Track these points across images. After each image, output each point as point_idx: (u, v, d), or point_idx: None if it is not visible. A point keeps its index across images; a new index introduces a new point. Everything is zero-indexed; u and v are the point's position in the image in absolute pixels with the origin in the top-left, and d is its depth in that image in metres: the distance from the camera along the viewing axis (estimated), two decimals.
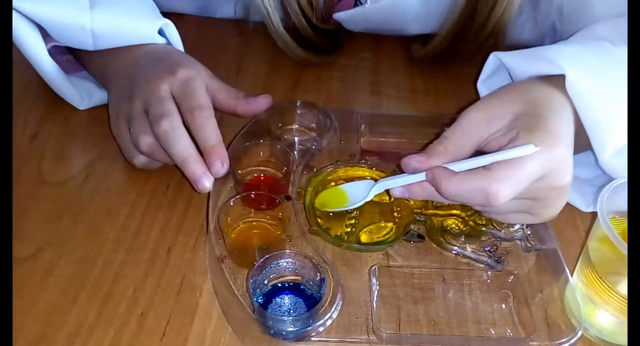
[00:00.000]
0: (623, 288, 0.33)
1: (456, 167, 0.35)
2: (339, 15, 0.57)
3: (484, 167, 0.34)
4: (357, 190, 0.40)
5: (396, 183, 0.37)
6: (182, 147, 0.39)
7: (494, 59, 0.46)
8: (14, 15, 0.43)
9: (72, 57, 0.50)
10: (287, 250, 0.36)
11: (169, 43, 0.48)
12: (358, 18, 0.58)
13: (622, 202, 0.35)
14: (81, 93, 0.49)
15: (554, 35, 0.55)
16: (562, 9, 0.53)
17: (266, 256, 0.35)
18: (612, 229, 0.31)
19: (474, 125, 0.37)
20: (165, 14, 0.48)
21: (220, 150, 0.39)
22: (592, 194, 0.42)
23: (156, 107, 0.40)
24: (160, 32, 0.47)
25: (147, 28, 0.46)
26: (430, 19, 0.55)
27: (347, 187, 0.41)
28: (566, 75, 0.37)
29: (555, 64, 0.38)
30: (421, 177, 0.36)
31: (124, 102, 0.43)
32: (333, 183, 0.43)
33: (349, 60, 0.60)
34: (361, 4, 0.56)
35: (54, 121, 0.49)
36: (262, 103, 0.45)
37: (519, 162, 0.33)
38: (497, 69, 0.47)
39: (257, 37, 0.60)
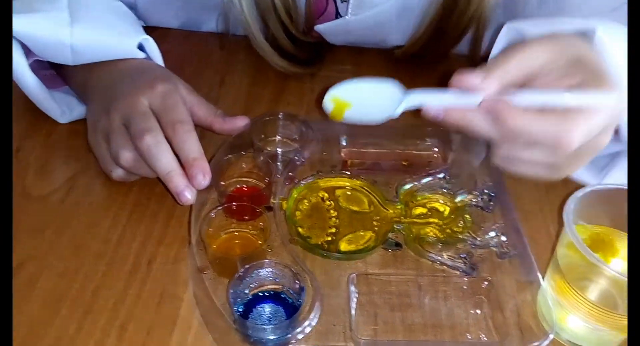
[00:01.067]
0: (591, 294, 0.34)
1: (525, 98, 0.32)
2: (320, 28, 0.58)
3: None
4: (379, 97, 0.35)
5: (434, 100, 0.34)
6: (166, 161, 0.39)
7: (507, 30, 0.44)
8: None
9: (54, 72, 0.51)
10: (267, 260, 0.37)
11: (149, 58, 0.49)
12: (339, 30, 0.59)
13: (589, 209, 0.36)
14: (62, 108, 0.50)
15: None
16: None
17: (246, 266, 0.36)
18: (577, 236, 0.32)
19: (533, 57, 0.35)
20: (152, 29, 0.49)
21: (202, 162, 0.40)
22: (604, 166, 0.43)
23: (138, 122, 0.40)
24: (141, 47, 0.48)
25: (126, 43, 0.47)
26: (410, 29, 0.57)
27: (366, 87, 0.36)
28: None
29: (587, 21, 0.38)
30: (471, 100, 0.32)
31: (102, 115, 0.44)
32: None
33: (331, 72, 0.61)
34: (342, 16, 0.58)
35: (36, 135, 0.50)
36: (238, 123, 0.45)
37: (595, 111, 0.32)
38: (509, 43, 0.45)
39: (241, 51, 0.61)
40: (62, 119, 0.50)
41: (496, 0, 0.52)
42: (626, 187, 0.36)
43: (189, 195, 0.39)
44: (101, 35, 0.47)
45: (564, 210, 0.34)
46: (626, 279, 0.31)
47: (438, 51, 0.59)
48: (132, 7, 0.61)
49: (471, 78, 0.33)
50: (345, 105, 0.36)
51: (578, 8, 0.51)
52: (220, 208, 0.40)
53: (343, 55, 0.64)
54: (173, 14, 0.63)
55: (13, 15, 0.44)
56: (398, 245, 0.41)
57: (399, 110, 0.35)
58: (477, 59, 0.59)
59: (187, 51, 0.62)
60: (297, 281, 0.35)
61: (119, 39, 0.47)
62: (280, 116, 0.48)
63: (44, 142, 0.49)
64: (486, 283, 0.38)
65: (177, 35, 0.64)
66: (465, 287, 0.38)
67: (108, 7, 0.50)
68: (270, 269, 0.37)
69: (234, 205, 0.41)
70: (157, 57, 0.49)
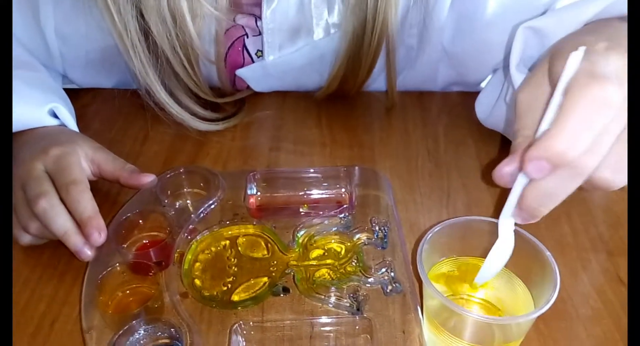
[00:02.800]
0: (464, 331, 0.35)
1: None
2: (242, 71, 0.61)
3: None
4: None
5: (510, 209, 0.34)
6: (61, 222, 0.42)
7: (522, 32, 0.45)
8: None
9: None
10: (140, 319, 0.38)
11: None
12: (260, 74, 0.61)
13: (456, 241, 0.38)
14: None
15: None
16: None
17: (132, 323, 0.37)
18: (428, 282, 0.34)
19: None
20: (85, 90, 0.51)
21: (96, 220, 0.42)
22: None
23: (33, 187, 0.42)
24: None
25: (34, 112, 0.49)
26: (327, 70, 0.60)
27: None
28: None
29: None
30: (523, 182, 0.33)
31: (15, 187, 0.46)
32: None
33: (252, 119, 0.63)
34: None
35: None
36: (144, 179, 0.48)
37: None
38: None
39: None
40: None
41: (397, 26, 0.55)
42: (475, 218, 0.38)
43: (88, 252, 0.42)
44: (25, 95, 0.50)
45: (417, 256, 0.35)
46: (482, 318, 0.33)
47: (354, 86, 0.62)
48: (63, 75, 0.65)
49: (507, 168, 0.34)
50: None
51: (496, 27, 0.53)
52: (110, 269, 0.41)
53: (265, 102, 0.66)
54: (104, 77, 0.67)
55: None
56: (286, 289, 0.42)
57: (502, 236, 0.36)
58: (393, 88, 0.62)
59: (115, 109, 0.65)
60: (177, 336, 0.37)
61: (26, 109, 0.49)
62: (182, 170, 0.50)
63: None
64: (368, 321, 0.39)
65: (108, 95, 0.68)
66: (356, 327, 0.39)
67: (20, 78, 0.53)
68: (156, 324, 0.38)
69: (132, 262, 0.42)
70: (70, 122, 0.52)
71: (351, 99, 0.66)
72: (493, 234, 0.36)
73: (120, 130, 0.62)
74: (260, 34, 0.58)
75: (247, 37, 0.59)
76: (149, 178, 0.48)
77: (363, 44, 0.55)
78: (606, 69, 0.32)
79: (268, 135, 0.61)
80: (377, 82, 0.64)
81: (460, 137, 0.60)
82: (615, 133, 0.32)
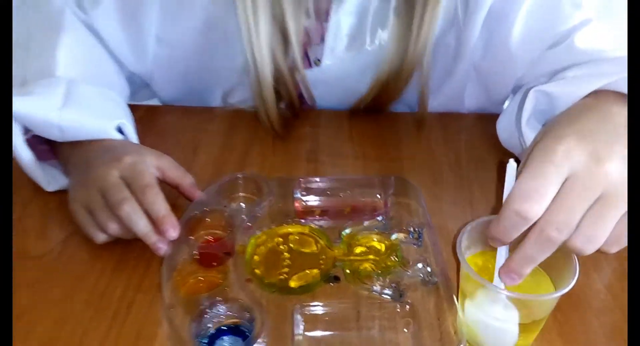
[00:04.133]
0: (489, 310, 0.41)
1: None
2: (308, 72, 0.68)
3: None
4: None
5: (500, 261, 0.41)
6: (143, 224, 0.48)
7: (534, 95, 0.54)
8: None
9: (48, 147, 0.60)
10: (219, 297, 0.44)
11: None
12: (317, 77, 0.69)
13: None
14: (48, 178, 0.58)
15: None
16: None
17: (205, 303, 0.43)
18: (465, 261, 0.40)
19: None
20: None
21: (170, 218, 0.48)
22: None
23: (113, 193, 0.49)
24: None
25: (105, 126, 0.56)
26: (369, 79, 0.67)
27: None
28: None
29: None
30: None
31: (80, 188, 0.53)
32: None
33: (290, 134, 0.70)
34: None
35: (35, 203, 0.58)
36: (196, 194, 0.54)
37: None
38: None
39: (215, 123, 0.72)
40: (49, 188, 0.59)
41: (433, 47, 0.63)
42: None
43: (164, 247, 0.48)
44: (85, 118, 0.56)
45: (457, 244, 0.42)
46: (510, 294, 0.39)
47: (389, 98, 0.70)
48: (147, 84, 0.73)
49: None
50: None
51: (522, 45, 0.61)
52: (187, 257, 0.47)
53: (303, 119, 0.73)
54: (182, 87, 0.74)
55: (13, 96, 0.54)
56: (337, 278, 0.48)
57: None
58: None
59: (167, 124, 0.72)
60: (247, 314, 0.42)
61: (99, 122, 0.56)
62: (239, 176, 0.56)
63: (42, 209, 0.58)
64: (409, 307, 0.45)
65: (163, 112, 0.75)
66: (398, 310, 0.45)
67: (97, 93, 0.60)
68: (227, 305, 0.44)
69: (199, 254, 0.48)
70: (132, 137, 0.59)
71: (379, 119, 0.73)
72: None
73: (172, 143, 0.69)
74: (321, 41, 0.65)
75: (310, 45, 0.67)
76: (199, 195, 0.54)
77: (404, 59, 0.63)
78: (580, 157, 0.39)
79: (305, 148, 0.68)
80: (405, 100, 0.71)
81: (479, 153, 0.67)
82: (584, 209, 0.38)
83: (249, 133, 0.70)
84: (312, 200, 0.57)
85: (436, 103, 0.72)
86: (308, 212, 0.56)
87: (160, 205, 0.48)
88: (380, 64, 0.65)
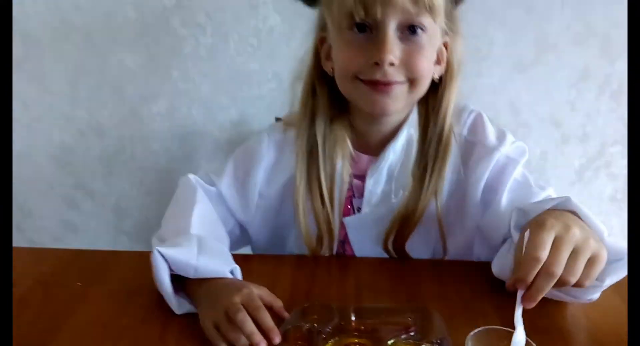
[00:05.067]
0: None
1: None
2: (347, 219, 0.98)
3: None
4: None
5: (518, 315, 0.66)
6: (251, 328, 0.73)
7: (516, 211, 0.81)
8: (156, 252, 0.81)
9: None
10: None
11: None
12: (357, 223, 0.98)
13: None
14: (178, 303, 0.84)
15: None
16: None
17: None
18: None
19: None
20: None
21: (275, 329, 0.73)
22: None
23: (236, 311, 0.74)
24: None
25: (225, 269, 0.84)
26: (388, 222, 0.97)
27: None
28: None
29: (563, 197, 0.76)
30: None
31: (209, 310, 0.78)
32: None
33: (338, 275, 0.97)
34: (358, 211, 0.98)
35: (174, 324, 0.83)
36: (285, 315, 0.80)
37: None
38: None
39: (285, 267, 0.99)
40: (178, 311, 0.84)
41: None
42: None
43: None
44: (212, 262, 0.84)
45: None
46: None
47: (403, 238, 0.98)
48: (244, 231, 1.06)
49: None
50: None
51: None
52: None
53: (342, 261, 1.00)
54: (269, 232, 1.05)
55: (164, 244, 0.83)
56: None
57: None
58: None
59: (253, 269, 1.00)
60: None
61: (222, 266, 0.84)
62: (315, 303, 0.82)
63: (168, 330, 0.81)
64: None
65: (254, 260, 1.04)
66: None
67: (217, 246, 0.89)
68: None
69: None
70: (239, 277, 0.86)
71: (401, 266, 1.00)
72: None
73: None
74: (362, 196, 0.96)
75: (354, 196, 0.97)
76: (287, 315, 0.80)
77: (418, 205, 0.93)
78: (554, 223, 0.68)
79: (351, 282, 0.94)
80: (427, 251, 0.99)
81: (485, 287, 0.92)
82: (568, 255, 0.65)
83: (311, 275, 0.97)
84: (361, 320, 0.82)
85: (453, 252, 1.00)
86: (360, 328, 0.80)
87: (268, 320, 0.74)
88: (401, 209, 0.95)
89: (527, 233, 0.69)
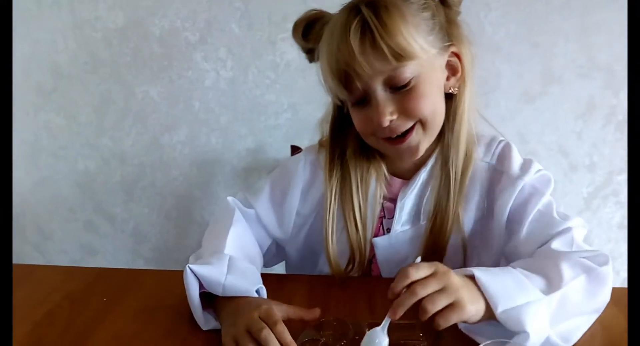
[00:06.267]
0: None
1: None
2: (377, 240, 1.00)
3: None
4: None
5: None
6: (274, 341, 0.76)
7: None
8: (187, 269, 0.86)
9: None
10: None
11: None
12: (386, 243, 1.00)
13: None
14: (207, 321, 0.88)
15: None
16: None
17: None
18: None
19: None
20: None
21: (294, 343, 0.77)
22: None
23: (256, 325, 0.78)
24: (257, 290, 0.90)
25: (251, 288, 0.88)
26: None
27: None
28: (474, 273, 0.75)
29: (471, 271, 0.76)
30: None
31: (231, 327, 0.81)
32: None
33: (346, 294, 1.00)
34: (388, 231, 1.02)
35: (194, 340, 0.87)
36: (310, 315, 0.84)
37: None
38: None
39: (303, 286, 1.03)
40: (205, 327, 0.88)
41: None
42: None
43: None
44: (240, 283, 0.88)
45: None
46: None
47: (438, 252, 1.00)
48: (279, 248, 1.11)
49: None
50: None
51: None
52: None
53: (365, 281, 1.04)
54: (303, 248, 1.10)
55: (196, 263, 0.88)
56: None
57: None
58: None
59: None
60: None
61: (248, 286, 0.88)
62: (331, 319, 0.86)
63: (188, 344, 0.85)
64: None
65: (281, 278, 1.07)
66: None
67: (247, 267, 0.93)
68: None
69: None
70: (264, 294, 0.90)
71: None
72: None
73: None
74: (392, 217, 1.00)
75: (385, 218, 1.01)
76: (313, 314, 0.84)
77: (444, 231, 0.96)
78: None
79: (365, 300, 0.97)
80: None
81: None
82: (434, 288, 0.71)
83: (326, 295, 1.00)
84: None
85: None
86: None
87: (286, 335, 0.77)
88: (428, 231, 0.98)
89: (418, 258, 0.77)
